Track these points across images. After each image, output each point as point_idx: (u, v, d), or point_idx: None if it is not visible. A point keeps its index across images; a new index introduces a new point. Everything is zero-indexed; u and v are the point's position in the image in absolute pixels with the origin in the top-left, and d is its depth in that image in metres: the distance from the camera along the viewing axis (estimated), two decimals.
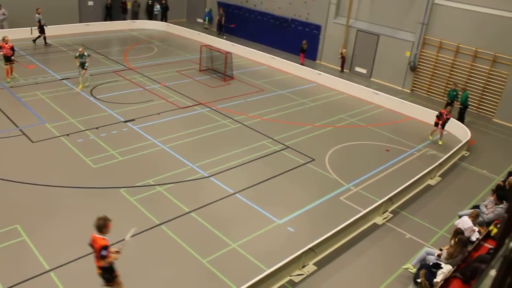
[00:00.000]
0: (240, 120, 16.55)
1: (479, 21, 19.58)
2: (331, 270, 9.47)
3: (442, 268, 8.90)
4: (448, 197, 12.89)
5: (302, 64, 24.35)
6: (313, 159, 14.08)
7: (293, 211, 11.35)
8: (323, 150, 14.79)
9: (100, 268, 7.43)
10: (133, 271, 8.66)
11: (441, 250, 9.59)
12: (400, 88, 22.72)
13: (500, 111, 19.57)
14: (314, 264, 9.55)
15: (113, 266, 7.51)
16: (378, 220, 11.33)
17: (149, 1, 31.29)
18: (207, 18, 32.06)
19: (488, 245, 10.04)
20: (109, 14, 29.66)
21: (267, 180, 12.68)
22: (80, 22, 28.07)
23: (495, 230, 10.38)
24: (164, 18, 31.44)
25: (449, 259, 9.13)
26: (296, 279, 9.06)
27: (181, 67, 22.32)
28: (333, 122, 17.43)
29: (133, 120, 15.58)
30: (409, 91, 22.47)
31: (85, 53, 17.90)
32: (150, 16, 31.44)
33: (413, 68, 22.11)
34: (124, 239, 7.47)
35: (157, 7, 31.37)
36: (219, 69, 21.73)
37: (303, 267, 9.36)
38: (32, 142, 13.51)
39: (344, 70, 24.82)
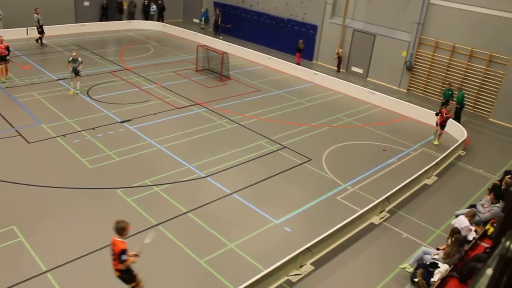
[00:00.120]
0: (236, 120, 16.54)
1: (475, 21, 19.65)
2: (329, 270, 9.48)
3: (439, 267, 8.92)
4: (445, 197, 12.93)
5: (298, 64, 24.37)
6: (310, 159, 14.09)
7: (290, 211, 11.35)
8: (319, 150, 14.80)
9: (118, 270, 7.45)
10: None
11: (438, 249, 9.62)
12: (397, 88, 22.78)
13: (496, 110, 19.65)
14: (312, 264, 9.56)
15: (130, 267, 7.54)
16: (375, 219, 11.35)
17: (145, 1, 31.24)
18: (203, 18, 32.03)
19: (485, 244, 10.05)
20: (105, 15, 29.61)
21: (264, 180, 12.68)
22: (76, 22, 27.98)
23: (491, 229, 10.41)
24: (160, 18, 31.39)
25: (446, 258, 9.15)
26: (294, 279, 9.07)
27: (177, 67, 22.29)
28: (329, 122, 17.45)
29: (129, 120, 15.55)
30: (405, 90, 22.52)
31: (79, 59, 17.32)
32: (147, 16, 31.39)
33: (409, 68, 22.17)
34: (144, 242, 7.56)
35: (153, 7, 31.32)
36: (216, 69, 21.72)
37: (300, 267, 9.37)
38: (29, 142, 13.46)
39: (341, 70, 24.86)
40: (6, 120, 14.71)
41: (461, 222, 10.37)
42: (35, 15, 22.99)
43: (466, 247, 9.77)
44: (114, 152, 13.34)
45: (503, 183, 12.05)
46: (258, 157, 13.93)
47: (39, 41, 23.54)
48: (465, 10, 19.86)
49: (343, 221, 10.38)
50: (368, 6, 23.48)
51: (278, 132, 15.79)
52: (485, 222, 11.02)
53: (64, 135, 14.04)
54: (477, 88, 20.08)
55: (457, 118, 18.31)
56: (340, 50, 24.52)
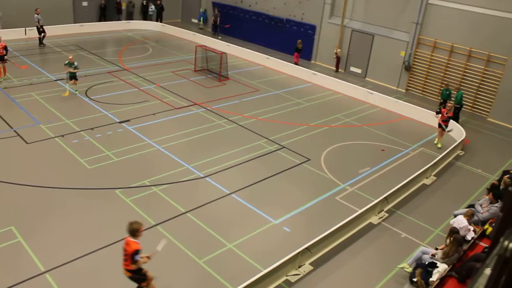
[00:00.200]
0: (235, 120, 16.54)
1: (473, 21, 19.68)
2: (327, 270, 9.49)
3: (437, 267, 8.94)
4: (443, 196, 12.94)
5: (296, 64, 24.37)
6: (309, 159, 14.10)
7: (289, 211, 11.35)
8: (318, 150, 14.81)
9: (129, 271, 7.51)
10: None
11: (436, 249, 9.63)
12: (395, 88, 22.80)
13: (495, 110, 19.68)
14: (310, 264, 9.56)
15: (141, 266, 7.62)
16: (374, 219, 11.36)
17: (144, 2, 31.22)
18: (202, 19, 32.03)
19: (483, 244, 10.08)
20: (103, 15, 29.56)
21: (262, 180, 12.68)
22: (74, 22, 27.95)
23: (490, 229, 10.43)
24: (159, 18, 31.36)
25: (445, 258, 9.16)
26: (293, 279, 9.07)
27: (176, 67, 22.28)
28: (328, 122, 17.46)
29: (128, 120, 15.54)
30: (404, 90, 22.54)
31: (75, 63, 17.26)
32: (145, 16, 31.36)
33: (408, 68, 22.19)
34: (156, 249, 7.73)
35: (152, 7, 31.30)
36: (214, 69, 21.71)
37: (299, 267, 9.37)
38: (27, 143, 13.44)
39: (339, 70, 24.87)
40: (5, 121, 14.68)
41: (460, 222, 10.38)
42: (36, 15, 22.97)
43: (465, 247, 9.79)
44: (113, 152, 13.32)
45: (501, 182, 12.08)
46: (257, 157, 13.92)
47: (38, 40, 23.49)
48: (463, 10, 19.88)
49: (342, 221, 10.38)
50: (366, 6, 23.50)
51: (277, 132, 15.79)
52: (483, 222, 11.04)
53: (62, 136, 14.02)
54: (476, 88, 20.10)
55: (456, 118, 18.32)
56: (339, 50, 24.53)
